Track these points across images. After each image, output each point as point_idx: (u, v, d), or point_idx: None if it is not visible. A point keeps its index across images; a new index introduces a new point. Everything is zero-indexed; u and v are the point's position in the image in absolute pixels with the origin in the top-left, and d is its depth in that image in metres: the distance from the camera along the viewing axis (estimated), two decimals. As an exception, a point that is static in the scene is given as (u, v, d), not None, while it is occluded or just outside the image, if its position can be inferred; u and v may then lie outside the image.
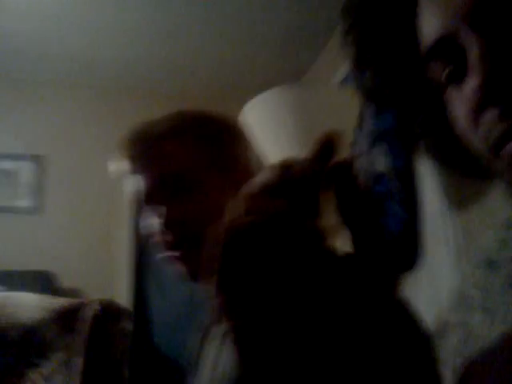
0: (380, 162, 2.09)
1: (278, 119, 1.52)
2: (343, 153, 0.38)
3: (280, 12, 2.61)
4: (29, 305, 1.42)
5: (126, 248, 3.26)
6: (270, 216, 0.33)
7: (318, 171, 0.38)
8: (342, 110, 1.57)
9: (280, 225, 0.33)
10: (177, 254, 0.71)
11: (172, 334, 3.29)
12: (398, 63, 0.50)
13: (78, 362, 1.26)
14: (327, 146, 0.39)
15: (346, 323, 0.33)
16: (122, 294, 2.74)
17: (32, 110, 3.42)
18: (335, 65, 2.71)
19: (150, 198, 0.72)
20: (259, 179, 0.37)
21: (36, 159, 3.35)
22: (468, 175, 0.55)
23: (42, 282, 2.74)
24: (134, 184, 0.74)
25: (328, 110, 1.52)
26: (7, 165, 3.36)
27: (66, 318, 1.34)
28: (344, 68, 2.51)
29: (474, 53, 0.38)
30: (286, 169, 0.38)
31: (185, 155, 0.74)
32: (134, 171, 0.74)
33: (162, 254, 0.74)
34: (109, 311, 1.32)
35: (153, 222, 0.72)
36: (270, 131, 1.55)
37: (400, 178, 1.93)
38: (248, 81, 3.30)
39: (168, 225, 0.70)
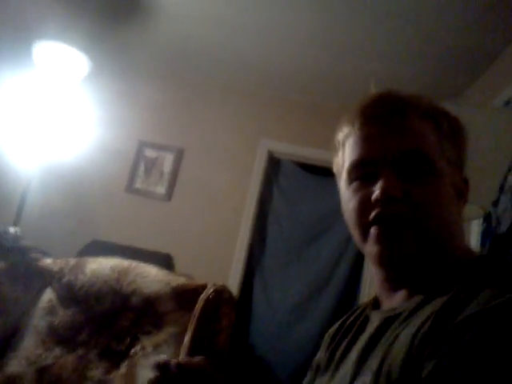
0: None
1: None
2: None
3: (441, 32, 2.52)
4: (151, 276, 1.52)
5: (245, 246, 3.37)
6: None
7: None
8: (500, 134, 1.46)
9: None
10: (379, 230, 0.69)
11: (271, 339, 3.30)
12: None
13: (186, 339, 1.31)
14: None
15: None
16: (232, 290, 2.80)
17: (184, 106, 3.68)
18: (496, 88, 2.53)
19: (385, 168, 0.69)
20: None
21: (176, 151, 3.59)
22: None
23: (163, 263, 2.91)
24: (356, 149, 0.73)
25: (488, 131, 1.42)
26: (152, 153, 3.64)
27: (183, 296, 1.41)
28: (507, 93, 2.34)
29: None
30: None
31: (430, 137, 0.71)
32: (374, 136, 0.72)
33: (360, 225, 0.72)
34: (221, 296, 1.36)
35: (365, 192, 0.70)
36: None
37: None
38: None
39: (394, 199, 0.67)
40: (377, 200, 0.68)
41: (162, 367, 0.71)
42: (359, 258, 3.35)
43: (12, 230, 1.94)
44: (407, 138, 0.71)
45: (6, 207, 2.77)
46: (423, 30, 2.57)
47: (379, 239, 0.69)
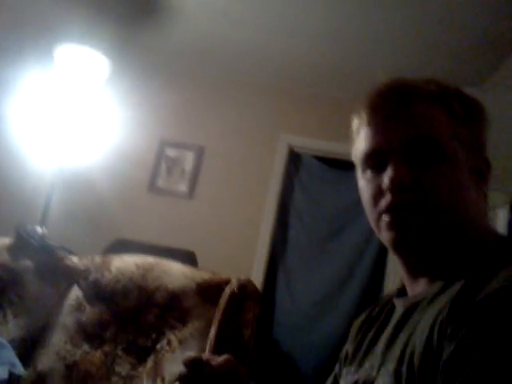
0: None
1: None
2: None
3: (465, 18, 2.47)
4: (175, 272, 1.53)
5: (267, 242, 3.37)
6: None
7: None
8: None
9: None
10: (391, 217, 0.70)
11: (295, 333, 3.30)
12: None
13: (212, 333, 1.32)
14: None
15: None
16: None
17: (204, 104, 3.70)
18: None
19: (393, 157, 0.70)
20: None
21: (197, 149, 3.61)
22: None
23: (187, 260, 2.92)
24: (366, 140, 0.73)
25: (506, 116, 1.39)
26: (173, 152, 3.66)
27: (207, 291, 1.41)
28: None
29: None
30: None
31: (440, 121, 0.70)
32: (381, 126, 0.72)
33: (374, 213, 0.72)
34: (245, 290, 1.36)
35: (377, 181, 0.71)
36: None
37: None
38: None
39: (403, 187, 0.68)
40: (386, 189, 0.69)
41: (191, 364, 0.72)
42: (382, 250, 3.32)
43: (39, 229, 1.98)
44: (414, 125, 0.70)
45: (32, 208, 2.83)
46: (444, 18, 2.52)
47: (390, 226, 0.70)
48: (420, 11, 2.50)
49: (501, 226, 2.36)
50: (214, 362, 0.74)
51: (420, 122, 0.71)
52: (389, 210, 0.70)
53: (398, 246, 0.71)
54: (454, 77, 2.96)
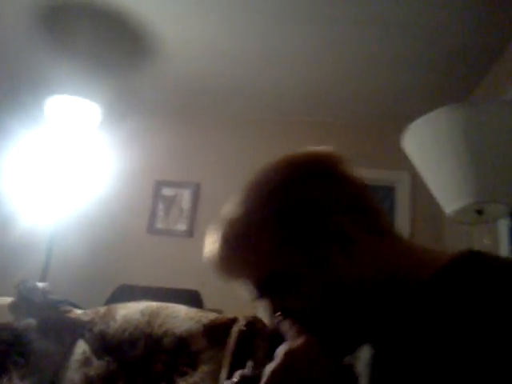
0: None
1: (445, 138, 1.45)
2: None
3: (443, 35, 2.52)
4: (181, 316, 1.51)
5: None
6: None
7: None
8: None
9: None
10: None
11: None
12: None
13: (223, 375, 1.29)
14: None
15: None
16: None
17: (198, 141, 3.72)
18: (502, 86, 2.51)
19: (259, 296, 0.68)
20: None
21: (193, 186, 3.61)
22: None
23: (191, 300, 2.88)
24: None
25: (500, 128, 1.40)
26: (169, 191, 3.66)
27: (214, 332, 1.39)
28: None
29: None
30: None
31: (274, 250, 0.66)
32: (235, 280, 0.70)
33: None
34: (253, 328, 1.34)
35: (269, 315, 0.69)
36: (436, 151, 1.48)
37: None
38: (408, 106, 3.20)
39: (278, 321, 0.67)
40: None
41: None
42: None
43: (40, 285, 1.96)
44: (246, 278, 0.68)
45: (33, 264, 2.80)
46: (425, 36, 2.57)
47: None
48: (401, 32, 2.55)
49: (503, 235, 2.35)
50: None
51: (246, 272, 0.68)
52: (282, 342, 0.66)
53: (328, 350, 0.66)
54: (440, 91, 3.00)
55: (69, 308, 1.74)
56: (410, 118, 1.66)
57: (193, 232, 3.50)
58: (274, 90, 3.30)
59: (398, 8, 2.37)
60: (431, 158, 1.53)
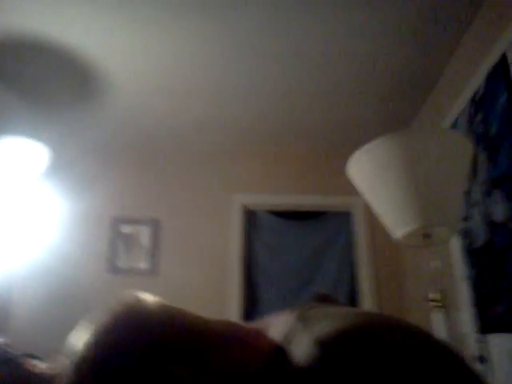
0: (498, 211, 1.96)
1: (387, 167, 1.51)
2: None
3: (384, 59, 2.65)
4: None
5: (236, 305, 3.33)
6: None
7: None
8: (453, 155, 1.51)
9: None
10: None
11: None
12: None
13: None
14: None
15: None
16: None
17: (153, 177, 3.71)
18: (443, 109, 2.63)
19: None
20: None
21: (152, 222, 3.59)
22: None
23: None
24: None
25: (438, 155, 1.47)
26: (128, 229, 3.61)
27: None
28: (453, 112, 2.44)
29: None
30: None
31: None
32: None
33: None
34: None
35: None
36: (379, 180, 1.54)
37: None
38: (358, 133, 3.33)
39: None
40: None
41: None
42: (352, 294, 3.35)
43: (0, 340, 1.88)
44: None
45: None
46: (365, 66, 2.69)
47: None
48: (344, 62, 2.67)
49: (456, 254, 2.43)
50: None
51: None
52: None
53: None
54: (387, 117, 3.14)
55: (31, 362, 1.67)
56: (362, 145, 1.73)
57: (155, 269, 3.46)
58: (226, 123, 3.36)
59: (337, 40, 2.48)
60: (374, 185, 1.58)
